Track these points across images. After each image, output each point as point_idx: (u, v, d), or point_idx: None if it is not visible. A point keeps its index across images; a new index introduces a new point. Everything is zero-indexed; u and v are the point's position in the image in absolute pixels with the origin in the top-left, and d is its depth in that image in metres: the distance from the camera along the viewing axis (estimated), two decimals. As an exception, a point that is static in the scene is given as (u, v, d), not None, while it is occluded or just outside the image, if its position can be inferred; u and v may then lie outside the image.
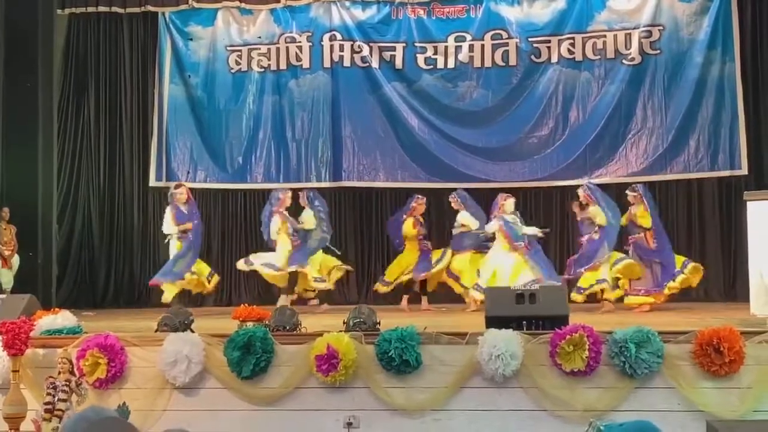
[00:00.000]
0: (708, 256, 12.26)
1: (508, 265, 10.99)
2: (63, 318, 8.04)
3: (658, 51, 12.94)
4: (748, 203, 8.48)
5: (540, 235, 11.39)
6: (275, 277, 11.87)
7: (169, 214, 11.42)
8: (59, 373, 6.94)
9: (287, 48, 13.70)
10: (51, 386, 6.85)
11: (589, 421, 5.46)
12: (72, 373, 7.04)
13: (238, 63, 13.79)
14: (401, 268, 11.84)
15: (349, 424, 7.08)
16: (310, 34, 13.67)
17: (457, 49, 13.38)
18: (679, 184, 12.84)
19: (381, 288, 11.98)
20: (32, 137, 12.92)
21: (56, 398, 6.77)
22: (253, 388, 7.25)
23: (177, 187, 11.81)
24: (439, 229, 12.65)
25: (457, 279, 11.76)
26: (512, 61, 13.31)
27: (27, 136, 12.80)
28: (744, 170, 12.48)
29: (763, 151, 12.61)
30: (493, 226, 11.23)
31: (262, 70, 13.74)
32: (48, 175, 13.26)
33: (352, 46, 13.57)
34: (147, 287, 13.51)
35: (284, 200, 11.90)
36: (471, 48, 13.36)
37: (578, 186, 11.89)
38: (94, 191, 13.72)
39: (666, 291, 10.94)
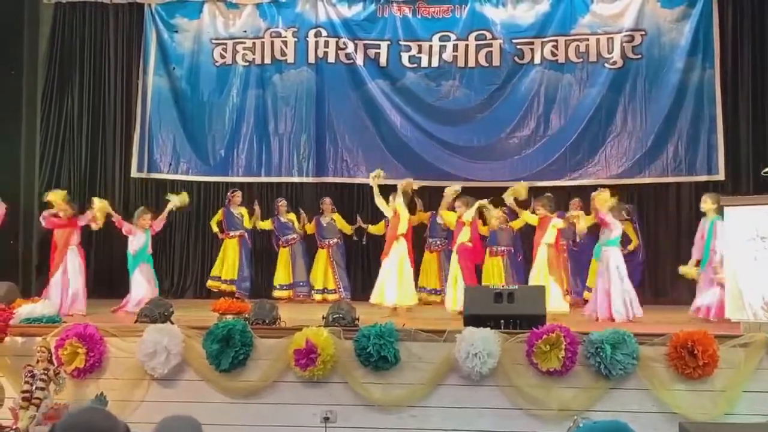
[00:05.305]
0: (682, 261, 12.33)
1: None
2: (42, 307, 8.07)
3: (640, 56, 13.01)
4: (725, 209, 8.55)
5: None
6: None
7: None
8: (38, 361, 6.97)
9: (272, 42, 13.69)
10: (29, 374, 6.88)
11: (574, 417, 5.57)
12: (50, 361, 7.07)
13: (222, 56, 13.77)
14: None
15: (326, 419, 7.14)
16: (295, 29, 13.64)
17: (442, 48, 13.41)
18: (656, 187, 12.93)
19: None
20: (15, 125, 12.91)
21: (34, 387, 6.81)
22: (231, 381, 7.30)
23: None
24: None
25: None
26: (495, 61, 13.34)
27: (10, 124, 12.78)
28: (721, 176, 12.58)
29: (741, 157, 12.71)
30: None
31: (247, 63, 13.72)
32: (30, 163, 13.27)
33: (337, 42, 13.58)
34: (126, 278, 13.51)
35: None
36: (455, 48, 13.39)
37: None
38: (76, 180, 13.65)
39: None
